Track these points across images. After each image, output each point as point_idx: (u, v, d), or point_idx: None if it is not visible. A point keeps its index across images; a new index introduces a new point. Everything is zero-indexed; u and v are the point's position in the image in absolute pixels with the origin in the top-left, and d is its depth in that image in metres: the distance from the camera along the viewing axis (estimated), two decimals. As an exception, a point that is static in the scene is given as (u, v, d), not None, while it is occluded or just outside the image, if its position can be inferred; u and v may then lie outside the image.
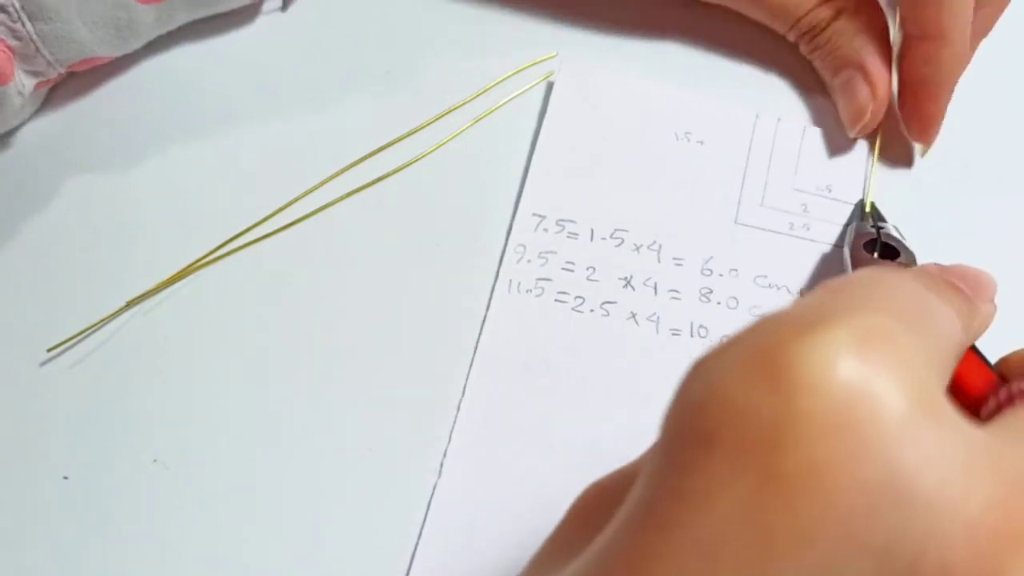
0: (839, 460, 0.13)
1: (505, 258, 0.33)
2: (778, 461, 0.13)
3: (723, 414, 0.14)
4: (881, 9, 0.34)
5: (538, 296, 0.32)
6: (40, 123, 0.35)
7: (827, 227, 0.33)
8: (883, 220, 0.32)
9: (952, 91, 0.33)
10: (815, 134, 0.34)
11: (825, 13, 0.33)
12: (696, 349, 0.32)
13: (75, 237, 0.33)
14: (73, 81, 0.35)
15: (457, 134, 0.35)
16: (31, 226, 0.34)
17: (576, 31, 0.36)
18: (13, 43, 0.31)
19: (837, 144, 0.34)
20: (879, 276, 0.17)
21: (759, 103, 0.35)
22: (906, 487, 0.13)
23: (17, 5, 0.30)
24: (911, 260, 0.31)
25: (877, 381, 0.14)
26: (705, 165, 0.34)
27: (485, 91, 0.35)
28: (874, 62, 0.33)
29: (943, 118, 0.33)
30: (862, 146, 0.34)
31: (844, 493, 0.13)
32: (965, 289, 0.21)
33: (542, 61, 0.36)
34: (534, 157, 0.34)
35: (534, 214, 0.33)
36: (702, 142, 0.34)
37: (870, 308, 0.15)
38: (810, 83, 0.36)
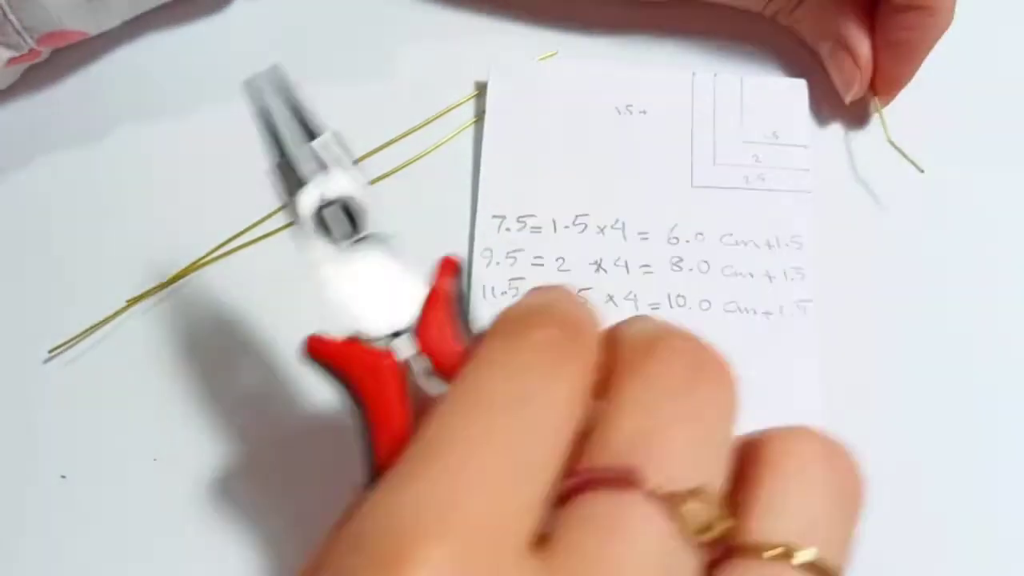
0: None
1: (474, 264, 0.33)
2: None
3: None
4: None
5: (514, 296, 0.32)
6: (43, 125, 0.35)
7: (781, 173, 0.33)
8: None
9: (928, 53, 0.32)
10: (753, 84, 0.34)
11: None
12: (677, 319, 0.32)
13: (76, 237, 0.33)
14: (71, 79, 0.35)
15: (455, 135, 0.35)
16: (32, 227, 0.33)
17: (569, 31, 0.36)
18: None
19: (776, 89, 0.34)
20: (463, 423, 0.17)
21: (694, 64, 0.35)
22: None
23: None
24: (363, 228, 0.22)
25: None
26: (652, 134, 0.34)
27: (477, 94, 0.35)
28: (852, 33, 0.32)
29: (912, 78, 0.33)
30: (802, 87, 0.34)
31: None
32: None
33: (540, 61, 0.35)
34: (483, 159, 0.34)
35: (494, 216, 0.33)
36: (645, 112, 0.34)
37: (442, 528, 0.16)
38: (739, 35, 0.36)
